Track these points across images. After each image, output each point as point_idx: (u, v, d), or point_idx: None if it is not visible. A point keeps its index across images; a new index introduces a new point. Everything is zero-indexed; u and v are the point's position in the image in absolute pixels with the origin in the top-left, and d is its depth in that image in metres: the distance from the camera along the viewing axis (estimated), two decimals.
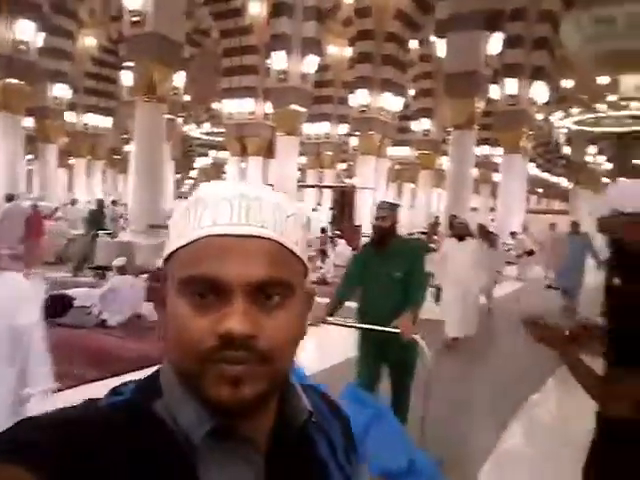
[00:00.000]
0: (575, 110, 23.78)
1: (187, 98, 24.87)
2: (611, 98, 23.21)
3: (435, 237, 13.34)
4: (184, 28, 13.39)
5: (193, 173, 43.60)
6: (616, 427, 1.65)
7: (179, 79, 17.66)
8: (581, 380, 1.69)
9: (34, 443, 0.50)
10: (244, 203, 0.56)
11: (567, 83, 22.81)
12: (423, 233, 15.22)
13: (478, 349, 6.68)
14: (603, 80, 23.67)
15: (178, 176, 34.75)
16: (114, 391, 0.60)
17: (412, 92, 24.05)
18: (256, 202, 0.57)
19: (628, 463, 1.62)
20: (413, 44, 20.84)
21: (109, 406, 0.57)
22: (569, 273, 9.19)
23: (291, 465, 0.60)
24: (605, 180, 41.19)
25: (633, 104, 22.76)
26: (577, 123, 24.83)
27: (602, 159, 34.91)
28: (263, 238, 0.55)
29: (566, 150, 31.36)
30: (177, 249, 0.57)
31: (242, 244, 0.55)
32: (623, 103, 22.93)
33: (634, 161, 42.04)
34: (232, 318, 0.52)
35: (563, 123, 25.11)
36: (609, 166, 37.99)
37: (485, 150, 23.53)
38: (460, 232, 6.73)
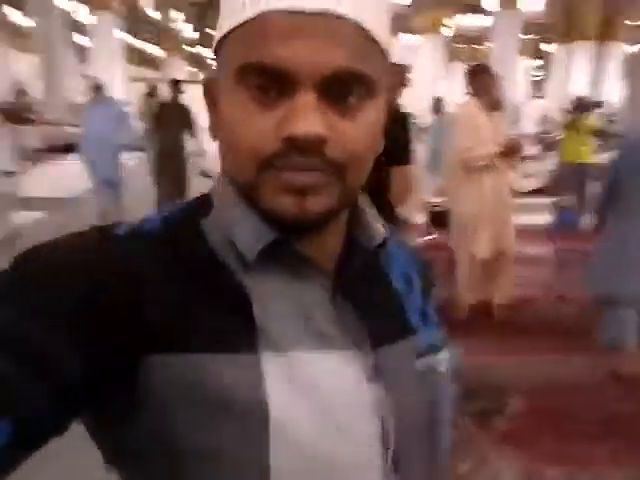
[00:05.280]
0: None
1: None
2: None
3: None
4: None
5: None
6: None
7: None
8: None
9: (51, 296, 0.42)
10: None
11: None
12: None
13: None
14: None
15: None
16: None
17: None
18: None
19: None
20: None
21: (140, 227, 0.49)
22: None
23: (362, 288, 0.52)
24: (189, 48, 42.17)
25: None
26: None
27: (188, 27, 35.00)
28: (341, 17, 0.42)
29: (154, 14, 29.83)
30: (231, 30, 0.44)
31: (313, 23, 0.42)
32: None
33: (210, 30, 43.83)
34: (299, 116, 0.42)
35: None
36: (194, 35, 38.66)
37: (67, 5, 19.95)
38: None
